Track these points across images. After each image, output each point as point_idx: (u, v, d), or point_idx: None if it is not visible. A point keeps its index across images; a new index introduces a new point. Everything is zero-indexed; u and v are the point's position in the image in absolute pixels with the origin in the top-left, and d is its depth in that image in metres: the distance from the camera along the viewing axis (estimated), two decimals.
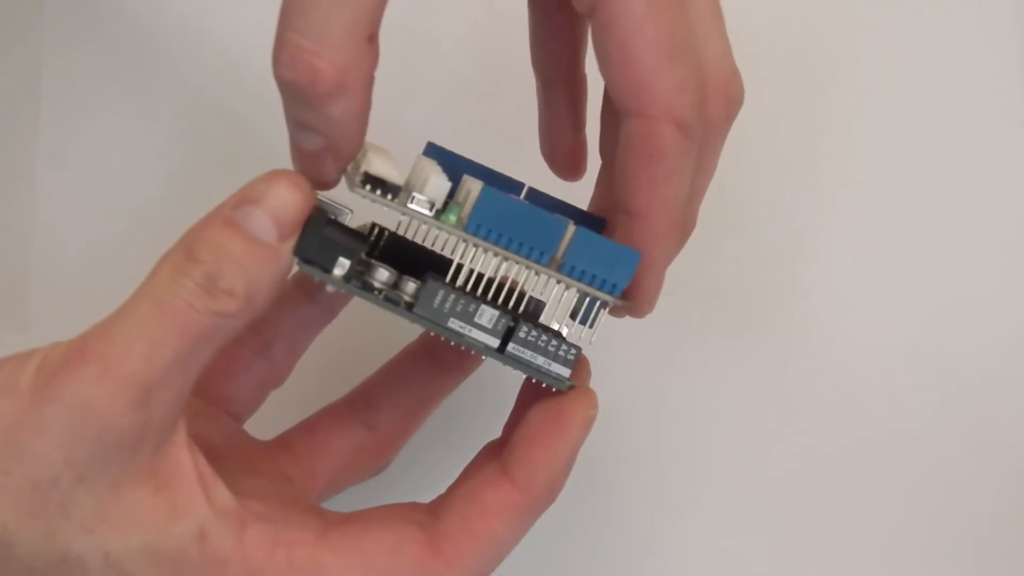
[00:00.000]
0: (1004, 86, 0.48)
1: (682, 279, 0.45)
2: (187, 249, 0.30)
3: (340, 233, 0.32)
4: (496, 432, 0.35)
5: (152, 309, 0.30)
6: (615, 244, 0.32)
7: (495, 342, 0.33)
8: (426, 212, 0.32)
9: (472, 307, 0.32)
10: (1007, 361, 0.46)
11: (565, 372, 0.33)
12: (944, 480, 0.45)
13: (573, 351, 0.33)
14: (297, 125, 0.31)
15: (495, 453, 0.34)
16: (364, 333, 0.42)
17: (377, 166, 0.32)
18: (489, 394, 0.41)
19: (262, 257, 0.30)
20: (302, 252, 0.31)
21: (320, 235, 0.32)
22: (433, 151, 0.34)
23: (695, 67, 0.32)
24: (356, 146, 0.32)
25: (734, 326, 0.46)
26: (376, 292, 0.32)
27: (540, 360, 0.33)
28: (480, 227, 0.32)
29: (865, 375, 0.46)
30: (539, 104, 0.38)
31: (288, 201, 0.31)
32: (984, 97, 0.48)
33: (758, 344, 0.46)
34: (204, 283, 0.30)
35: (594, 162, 0.37)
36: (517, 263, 0.32)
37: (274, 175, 0.31)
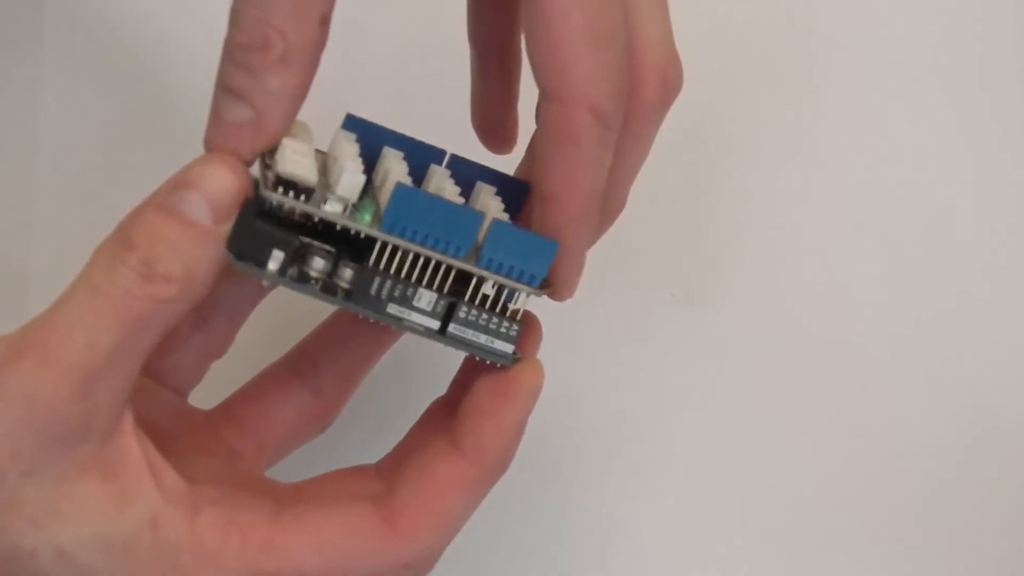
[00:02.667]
0: (1004, 82, 0.47)
1: (681, 276, 0.46)
2: (122, 236, 0.30)
3: (272, 225, 0.32)
4: (441, 385, 0.36)
5: (89, 297, 0.30)
6: (532, 235, 0.32)
7: (435, 324, 0.33)
8: (339, 212, 0.32)
9: (410, 291, 0.33)
10: (1008, 361, 0.45)
11: (508, 348, 0.33)
12: (944, 480, 0.44)
13: (515, 328, 0.33)
14: (229, 91, 0.31)
15: (442, 415, 0.35)
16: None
17: (290, 165, 0.32)
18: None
19: (198, 240, 0.30)
20: (234, 248, 0.32)
21: (251, 228, 0.32)
22: (351, 124, 0.34)
23: (619, 56, 0.32)
24: (284, 127, 0.32)
25: (728, 324, 0.46)
26: (313, 282, 0.32)
27: (482, 339, 0.33)
28: (395, 225, 0.32)
29: (865, 375, 0.45)
30: (472, 76, 0.38)
31: (223, 183, 0.31)
32: (983, 94, 0.47)
33: (750, 340, 0.45)
34: (140, 269, 0.30)
35: (525, 131, 0.37)
36: (435, 258, 0.32)
37: (208, 158, 0.31)
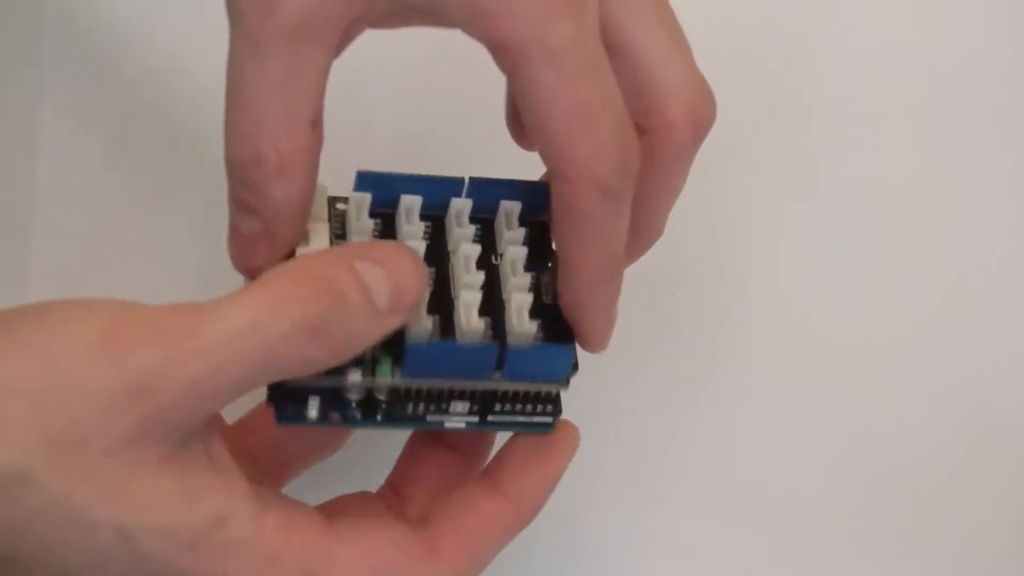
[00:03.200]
0: (1004, 81, 0.47)
1: (678, 277, 0.46)
2: (306, 279, 0.30)
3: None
4: None
5: (247, 328, 0.29)
6: (549, 347, 0.34)
7: (475, 419, 0.34)
8: (358, 379, 0.33)
9: (444, 405, 0.34)
10: (1008, 360, 0.45)
11: (548, 420, 0.35)
12: (945, 479, 0.44)
13: (549, 409, 0.34)
14: (239, 207, 0.32)
15: (438, 447, 0.36)
16: None
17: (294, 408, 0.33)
18: None
19: (370, 321, 0.31)
20: (274, 409, 0.33)
21: (282, 387, 0.32)
22: (363, 182, 0.34)
23: (617, 126, 0.32)
24: (294, 233, 0.33)
25: (728, 325, 0.46)
26: (355, 411, 0.33)
27: (522, 419, 0.35)
28: (416, 374, 0.33)
29: (864, 375, 0.45)
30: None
31: (410, 279, 0.31)
32: (985, 94, 0.47)
33: (750, 341, 0.45)
34: (312, 323, 0.30)
35: None
36: (460, 386, 0.33)
37: (403, 247, 0.32)
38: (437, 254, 0.35)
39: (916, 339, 0.45)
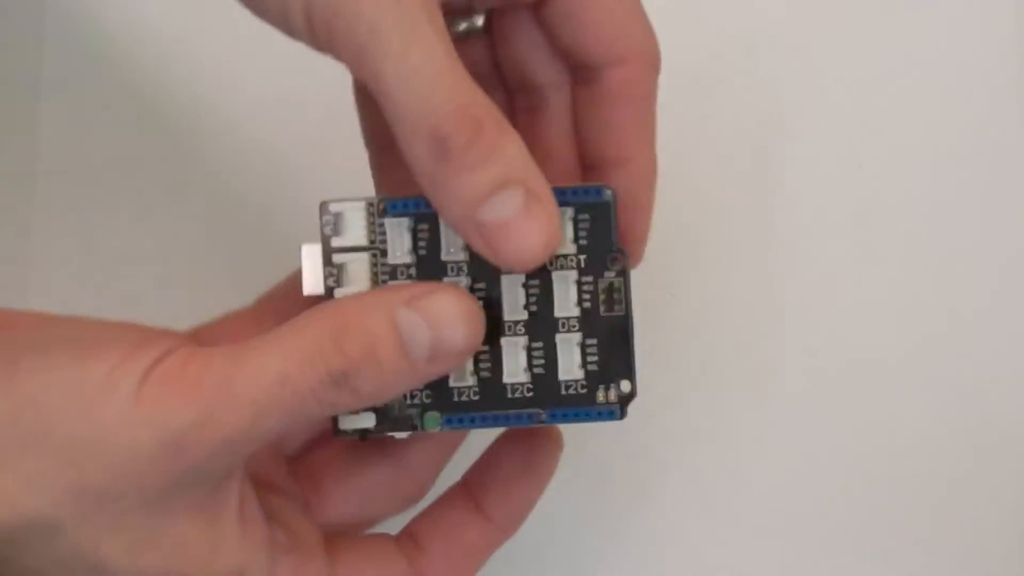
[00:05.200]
0: (1005, 81, 0.47)
1: (677, 277, 0.46)
2: (339, 330, 0.30)
3: (357, 417, 0.33)
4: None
5: (276, 383, 0.29)
6: (592, 412, 0.33)
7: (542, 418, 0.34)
8: (404, 436, 0.33)
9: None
10: (1013, 366, 0.45)
11: (617, 415, 0.33)
12: (944, 481, 0.44)
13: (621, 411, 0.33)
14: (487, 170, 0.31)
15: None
16: None
17: (349, 420, 0.33)
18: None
19: (403, 373, 0.30)
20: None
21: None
22: (395, 208, 0.33)
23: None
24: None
25: (728, 325, 0.46)
26: (412, 414, 0.33)
27: (589, 422, 0.33)
28: (461, 428, 0.33)
29: (864, 375, 0.45)
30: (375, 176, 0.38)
31: (454, 331, 0.30)
32: (986, 92, 0.47)
33: (751, 341, 0.45)
34: (339, 379, 0.29)
35: None
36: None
37: (453, 293, 0.31)
38: (484, 271, 0.33)
39: (922, 345, 0.45)
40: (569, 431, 0.44)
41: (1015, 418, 0.45)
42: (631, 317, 0.33)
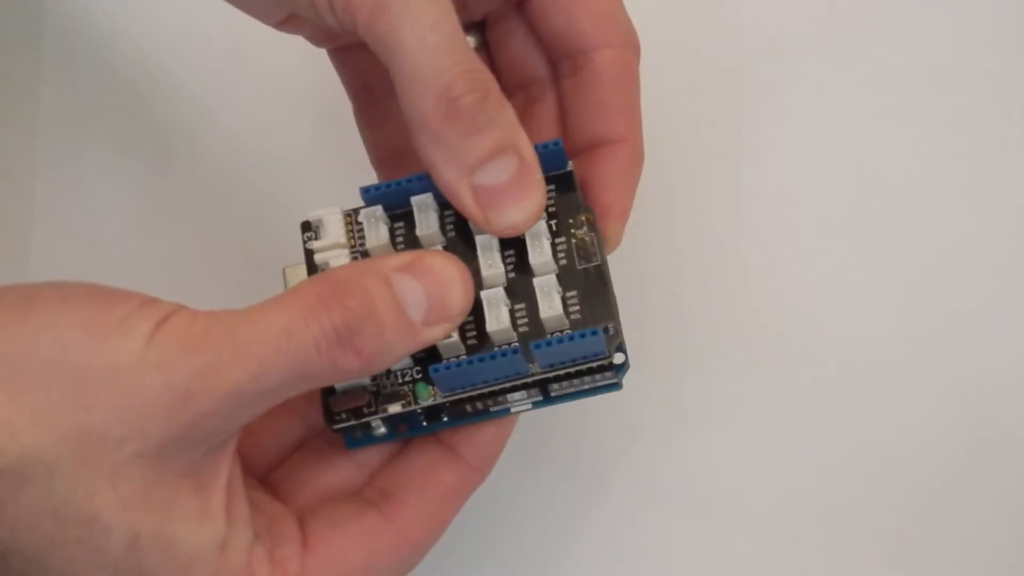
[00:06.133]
0: (1005, 76, 0.47)
1: (681, 277, 0.46)
2: (339, 287, 0.30)
3: (350, 396, 0.34)
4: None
5: (281, 335, 0.30)
6: (574, 336, 0.32)
7: (539, 397, 0.34)
8: (399, 410, 0.33)
9: (501, 398, 0.34)
10: (1010, 362, 0.45)
11: (614, 381, 0.34)
12: (944, 485, 0.44)
13: (607, 376, 0.34)
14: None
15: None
16: None
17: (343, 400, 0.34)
18: None
19: (402, 332, 0.31)
20: (344, 439, 0.34)
21: (350, 424, 0.33)
22: (371, 195, 0.35)
23: None
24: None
25: (728, 325, 0.46)
26: (421, 419, 0.34)
27: (587, 387, 0.34)
28: (451, 390, 0.33)
29: (864, 375, 0.45)
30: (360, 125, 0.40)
31: (450, 292, 0.31)
32: (987, 89, 0.47)
33: (750, 341, 0.45)
34: (341, 331, 0.30)
35: None
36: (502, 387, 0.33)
37: (448, 260, 0.32)
38: (466, 244, 0.34)
39: (916, 340, 0.45)
40: (561, 429, 0.44)
41: (1016, 415, 0.44)
42: (606, 265, 0.34)
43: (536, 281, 0.33)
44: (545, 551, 0.44)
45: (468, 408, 0.34)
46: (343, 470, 0.36)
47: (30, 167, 0.47)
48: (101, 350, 0.29)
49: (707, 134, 0.47)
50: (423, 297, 0.31)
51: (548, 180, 0.34)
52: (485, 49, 0.39)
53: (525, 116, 0.37)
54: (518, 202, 0.32)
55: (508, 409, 0.34)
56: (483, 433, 0.35)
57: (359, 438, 0.34)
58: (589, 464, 0.44)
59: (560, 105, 0.38)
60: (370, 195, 0.34)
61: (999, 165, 0.47)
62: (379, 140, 0.39)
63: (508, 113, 0.33)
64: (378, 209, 0.34)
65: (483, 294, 0.33)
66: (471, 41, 0.38)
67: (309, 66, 0.42)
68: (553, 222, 0.34)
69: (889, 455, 0.44)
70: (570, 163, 0.35)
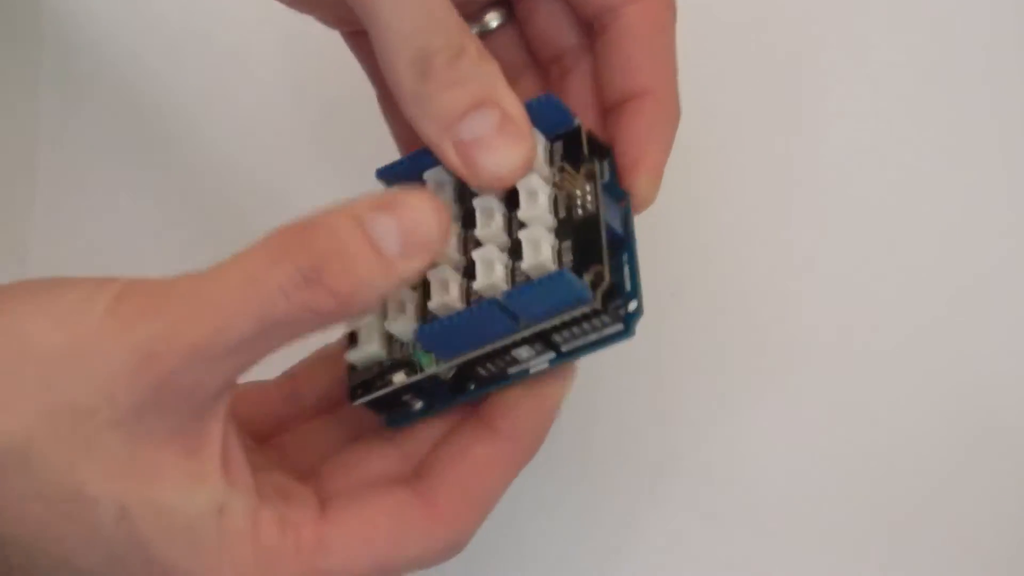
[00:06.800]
0: (1007, 73, 0.47)
1: (679, 277, 0.46)
2: (304, 228, 0.29)
3: (364, 371, 0.33)
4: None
5: (242, 282, 0.29)
6: (543, 279, 0.31)
7: (552, 355, 0.33)
8: (404, 379, 0.33)
9: (508, 357, 0.33)
10: (1009, 360, 0.45)
11: (619, 328, 0.33)
12: (943, 482, 0.44)
13: (607, 319, 0.32)
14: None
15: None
16: None
17: (354, 354, 0.33)
18: None
19: (376, 267, 0.29)
20: (385, 418, 0.34)
21: (387, 400, 0.33)
22: (387, 175, 0.34)
23: None
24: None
25: (727, 325, 0.46)
26: (448, 391, 0.33)
27: (593, 336, 0.33)
28: (447, 355, 0.33)
29: (864, 375, 0.45)
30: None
31: (424, 220, 0.30)
32: (987, 94, 0.47)
33: (751, 340, 0.45)
34: (307, 272, 0.29)
35: None
36: (498, 346, 0.32)
37: (419, 192, 0.31)
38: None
39: (916, 339, 0.45)
40: (561, 429, 0.44)
41: (1017, 415, 0.45)
42: (601, 212, 0.33)
43: (522, 233, 0.32)
44: (546, 551, 0.44)
45: (482, 372, 0.33)
46: (388, 456, 0.35)
47: (30, 167, 0.47)
48: (61, 331, 0.29)
49: (706, 134, 0.47)
50: (396, 229, 0.30)
51: (557, 138, 0.34)
52: (514, 25, 0.38)
53: (560, 87, 0.37)
54: (499, 152, 0.32)
55: (527, 370, 0.33)
56: (513, 401, 0.33)
57: (397, 417, 0.34)
58: (589, 464, 0.45)
59: (595, 67, 0.37)
60: (386, 174, 0.34)
61: (1000, 164, 0.47)
62: (404, 124, 0.38)
63: (486, 68, 0.32)
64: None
65: (475, 253, 0.32)
66: (495, 17, 0.38)
67: (310, 66, 0.42)
68: (557, 178, 0.34)
69: (889, 455, 0.44)
70: (577, 119, 0.34)
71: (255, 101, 0.48)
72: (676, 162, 0.46)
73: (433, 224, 0.30)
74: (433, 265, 0.32)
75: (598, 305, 0.32)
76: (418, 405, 0.33)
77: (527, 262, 0.32)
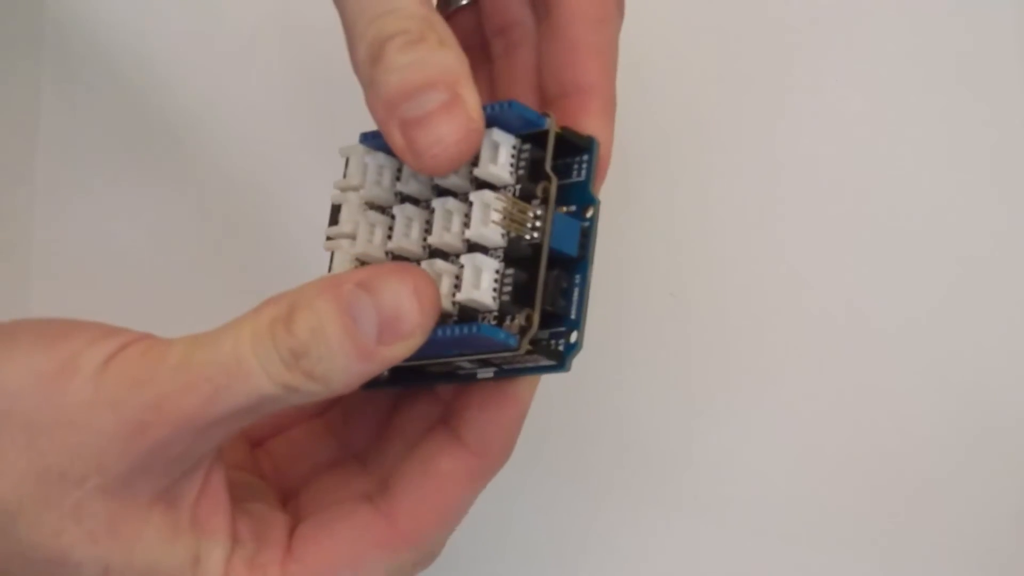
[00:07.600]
0: (1007, 72, 0.47)
1: (677, 277, 0.46)
2: (290, 309, 0.29)
3: None
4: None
5: (231, 361, 0.29)
6: (463, 326, 0.30)
7: (494, 369, 0.32)
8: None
9: (452, 365, 0.32)
10: (1008, 359, 0.45)
11: (551, 363, 0.32)
12: (943, 479, 0.44)
13: (549, 354, 0.31)
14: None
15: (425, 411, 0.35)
16: None
17: None
18: None
19: (353, 354, 0.29)
20: None
21: None
22: (369, 139, 0.33)
23: None
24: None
25: (727, 324, 0.46)
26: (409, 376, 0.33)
27: (530, 365, 0.32)
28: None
29: (864, 374, 0.45)
30: None
31: (402, 308, 0.29)
32: (989, 86, 0.47)
33: (750, 340, 0.45)
34: (288, 359, 0.29)
35: None
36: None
37: (404, 272, 0.30)
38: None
39: (915, 338, 0.45)
40: (560, 429, 0.44)
41: (1017, 414, 0.44)
42: (544, 246, 0.31)
43: (465, 258, 0.31)
44: (546, 551, 0.44)
45: (434, 371, 0.33)
46: (358, 474, 0.35)
47: (30, 167, 0.47)
48: (49, 396, 0.29)
49: (707, 133, 0.47)
50: (374, 315, 0.29)
51: (525, 139, 0.32)
52: (474, 4, 0.38)
53: (504, 62, 0.37)
54: (441, 130, 0.30)
55: (475, 375, 0.32)
56: (489, 417, 0.33)
57: (370, 383, 0.32)
58: (589, 464, 0.44)
59: (538, 49, 0.36)
60: (369, 140, 0.33)
61: (1000, 160, 0.47)
62: None
63: (446, 55, 0.30)
64: (379, 155, 0.33)
65: (424, 263, 0.32)
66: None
67: (311, 66, 0.42)
68: (518, 187, 0.31)
69: (889, 455, 0.44)
70: (548, 120, 0.32)
71: (256, 101, 0.48)
72: (673, 161, 0.46)
73: (412, 313, 0.29)
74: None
75: (523, 352, 0.31)
76: (385, 375, 0.32)
77: (464, 294, 0.31)
